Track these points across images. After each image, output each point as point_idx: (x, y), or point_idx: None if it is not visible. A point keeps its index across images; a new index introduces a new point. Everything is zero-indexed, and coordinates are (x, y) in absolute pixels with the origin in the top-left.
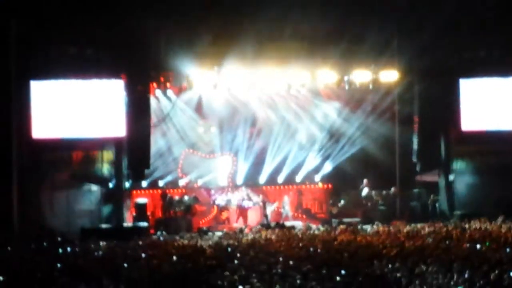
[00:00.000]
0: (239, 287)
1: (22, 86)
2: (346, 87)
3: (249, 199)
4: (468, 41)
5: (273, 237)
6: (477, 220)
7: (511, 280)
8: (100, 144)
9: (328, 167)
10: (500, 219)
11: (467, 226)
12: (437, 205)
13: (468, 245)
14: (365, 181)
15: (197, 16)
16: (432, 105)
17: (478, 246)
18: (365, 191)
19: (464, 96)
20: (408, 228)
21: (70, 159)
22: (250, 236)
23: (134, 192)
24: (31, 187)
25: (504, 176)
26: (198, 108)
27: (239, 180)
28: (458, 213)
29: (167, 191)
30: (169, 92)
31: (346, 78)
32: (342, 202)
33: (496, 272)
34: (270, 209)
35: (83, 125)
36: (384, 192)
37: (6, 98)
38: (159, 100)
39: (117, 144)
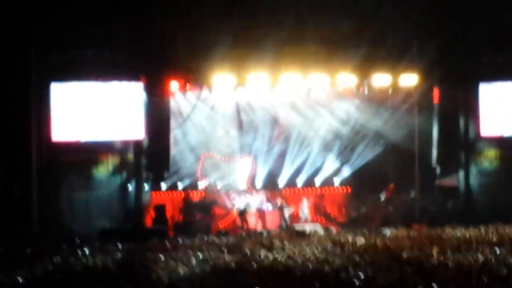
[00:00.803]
0: None
1: (42, 88)
2: (366, 91)
3: (268, 202)
4: (488, 45)
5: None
6: (497, 225)
7: None
8: (120, 147)
9: (347, 171)
10: None
11: (486, 230)
12: (456, 209)
13: (488, 249)
14: (391, 185)
15: (217, 18)
16: (452, 110)
17: (498, 251)
18: (384, 195)
19: (484, 101)
20: (427, 232)
21: (89, 162)
22: (269, 240)
23: (154, 194)
24: (50, 189)
25: None
26: (218, 111)
27: (259, 183)
28: (477, 218)
29: (188, 194)
30: (189, 95)
31: (365, 82)
32: (364, 209)
33: None
34: (288, 213)
35: (103, 128)
36: (403, 196)
37: (26, 100)
38: (178, 102)
39: (136, 146)
